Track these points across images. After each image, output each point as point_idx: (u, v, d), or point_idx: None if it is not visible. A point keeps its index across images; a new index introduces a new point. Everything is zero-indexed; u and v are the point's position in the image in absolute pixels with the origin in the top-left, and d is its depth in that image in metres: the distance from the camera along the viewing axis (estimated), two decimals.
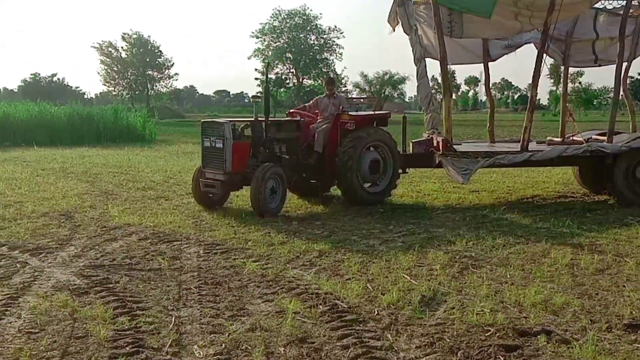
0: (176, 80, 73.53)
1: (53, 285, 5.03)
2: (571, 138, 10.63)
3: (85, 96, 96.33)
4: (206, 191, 8.56)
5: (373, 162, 9.07)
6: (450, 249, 6.22)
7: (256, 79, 64.31)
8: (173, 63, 72.72)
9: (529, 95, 10.68)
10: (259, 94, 9.27)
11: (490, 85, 12.96)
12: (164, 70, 69.77)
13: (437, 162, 9.16)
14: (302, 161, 9.05)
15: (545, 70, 9.96)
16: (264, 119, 8.69)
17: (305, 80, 61.99)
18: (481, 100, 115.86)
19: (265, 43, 63.03)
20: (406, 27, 9.67)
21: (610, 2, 10.32)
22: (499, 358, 3.52)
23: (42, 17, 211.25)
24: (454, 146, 9.23)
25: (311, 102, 9.99)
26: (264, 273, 5.35)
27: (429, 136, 9.69)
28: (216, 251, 6.19)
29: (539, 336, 3.84)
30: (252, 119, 8.78)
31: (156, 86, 70.20)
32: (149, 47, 69.29)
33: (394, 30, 9.96)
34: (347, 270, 5.43)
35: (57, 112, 25.85)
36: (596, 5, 10.11)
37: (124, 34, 69.08)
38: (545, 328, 3.96)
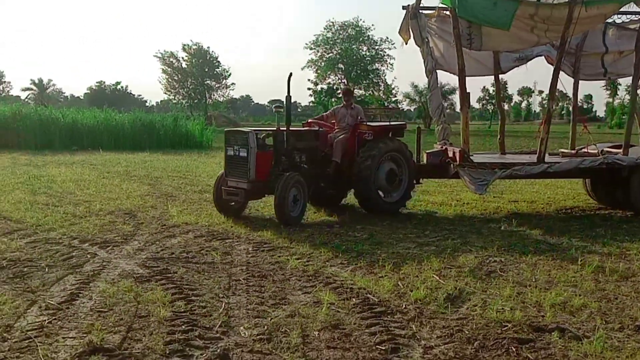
0: (233, 89, 75.53)
1: (119, 273, 5.68)
2: (584, 150, 10.64)
3: (147, 104, 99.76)
4: (228, 199, 8.64)
5: (389, 172, 9.14)
6: (481, 254, 6.56)
7: (309, 89, 65.45)
8: (230, 73, 74.76)
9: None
10: (280, 105, 9.30)
11: (502, 96, 13.09)
12: (221, 80, 71.85)
13: (452, 172, 9.34)
14: (321, 171, 9.11)
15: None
16: (285, 128, 8.81)
17: (356, 90, 62.53)
18: (534, 110, 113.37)
19: (319, 54, 64.15)
20: (418, 40, 9.84)
21: (619, 16, 10.37)
22: (512, 349, 3.89)
23: (108, 28, 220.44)
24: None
25: (328, 112, 10.12)
26: (305, 269, 5.86)
27: (442, 147, 9.83)
28: (263, 249, 6.75)
29: (552, 332, 4.17)
30: (274, 129, 8.95)
31: (214, 95, 72.33)
32: (208, 58, 71.52)
33: (406, 43, 10.13)
34: (381, 269, 5.87)
35: (121, 119, 27.27)
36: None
37: (185, 44, 71.72)
38: (560, 325, 4.29)
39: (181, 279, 5.49)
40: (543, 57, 11.35)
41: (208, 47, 73.93)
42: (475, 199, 10.80)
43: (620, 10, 9.87)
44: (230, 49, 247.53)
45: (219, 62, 72.70)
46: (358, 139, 9.27)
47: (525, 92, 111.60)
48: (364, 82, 63.63)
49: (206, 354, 3.80)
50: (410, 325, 4.34)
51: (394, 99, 61.58)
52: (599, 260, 6.23)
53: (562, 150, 11.62)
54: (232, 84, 76.03)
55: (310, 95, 65.41)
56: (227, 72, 73.34)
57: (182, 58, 71.21)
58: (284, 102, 8.78)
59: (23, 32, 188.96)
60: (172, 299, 4.87)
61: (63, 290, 5.13)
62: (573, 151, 11.01)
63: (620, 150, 9.65)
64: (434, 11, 10.27)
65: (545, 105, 14.07)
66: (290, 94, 8.72)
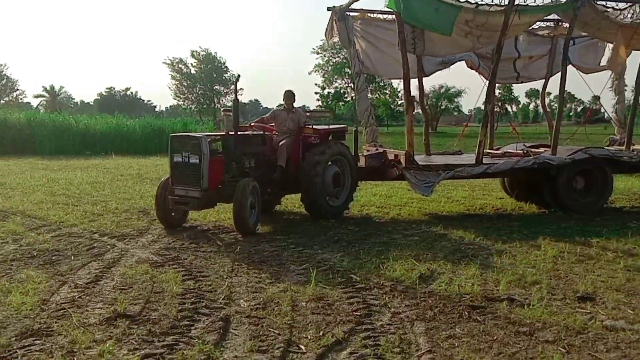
0: (241, 95, 76.53)
1: (136, 260, 6.49)
2: (502, 151, 11.24)
3: (156, 109, 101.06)
4: (177, 209, 8.26)
5: (335, 175, 9.04)
6: (457, 242, 7.35)
7: (316, 93, 66.41)
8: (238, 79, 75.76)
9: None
10: (228, 107, 8.66)
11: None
12: (229, 85, 72.99)
13: (396, 175, 9.51)
14: (267, 176, 8.80)
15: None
16: (233, 133, 8.34)
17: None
18: (541, 112, 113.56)
19: (325, 59, 65.14)
20: (345, 42, 10.01)
21: None
22: (465, 313, 4.66)
23: (118, 35, 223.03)
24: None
25: (268, 114, 9.64)
26: (300, 255, 6.67)
27: (377, 149, 10.08)
28: (264, 240, 7.55)
29: (503, 302, 4.94)
30: (223, 134, 8.60)
31: (222, 100, 73.39)
32: (216, 64, 72.65)
33: (328, 44, 10.54)
34: (366, 255, 6.66)
35: (132, 125, 28.20)
36: None
37: (193, 51, 72.85)
38: (510, 297, 5.06)
39: (190, 264, 6.29)
40: (464, 61, 11.81)
41: (216, 53, 75.05)
42: (465, 196, 11.55)
43: None
44: (239, 53, 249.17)
45: (227, 67, 73.91)
46: (303, 142, 9.12)
47: (533, 94, 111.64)
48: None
49: (211, 318, 4.59)
50: (384, 297, 5.11)
51: (399, 102, 62.19)
52: (561, 247, 6.98)
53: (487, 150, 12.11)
54: (241, 89, 76.99)
55: (318, 99, 66.45)
56: (234, 77, 74.42)
57: (191, 64, 72.53)
58: (232, 105, 8.40)
59: (34, 40, 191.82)
60: (183, 279, 5.67)
61: (88, 273, 5.94)
62: (499, 151, 11.43)
63: (542, 150, 10.27)
64: (359, 13, 10.55)
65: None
66: (238, 97, 8.48)
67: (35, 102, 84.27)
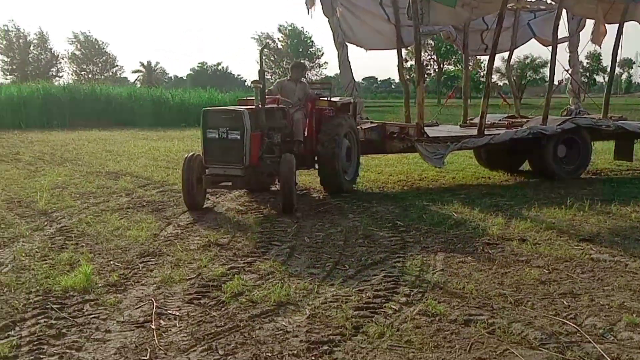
0: (326, 68, 77.97)
1: (225, 209, 8.06)
2: (467, 121, 11.99)
3: (246, 84, 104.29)
4: (216, 188, 8.25)
5: (348, 149, 8.90)
6: (495, 200, 8.49)
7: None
8: (323, 53, 77.36)
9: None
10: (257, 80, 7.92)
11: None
12: (314, 59, 74.49)
13: (395, 148, 9.87)
14: (290, 150, 8.25)
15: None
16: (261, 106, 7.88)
17: (445, 65, 62.97)
18: (637, 82, 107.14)
19: None
20: (327, 10, 9.67)
21: None
22: (480, 247, 5.84)
23: (210, 12, 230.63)
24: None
25: (273, 86, 9.11)
26: (358, 207, 8.06)
27: (370, 122, 10.24)
28: (331, 200, 8.89)
29: (514, 240, 6.07)
30: (253, 107, 7.99)
31: (308, 74, 75.15)
32: (302, 38, 74.48)
33: (308, 13, 10.00)
34: (413, 208, 7.96)
35: (223, 98, 30.31)
36: None
37: (280, 25, 75.03)
38: (522, 238, 6.15)
39: (269, 213, 7.77)
40: (442, 33, 12.13)
41: (302, 27, 76.76)
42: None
43: None
44: (322, 27, 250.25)
45: (312, 41, 75.56)
46: (317, 115, 8.85)
47: (626, 63, 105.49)
48: (454, 57, 64.11)
49: (281, 247, 6.01)
50: (419, 236, 6.35)
51: (483, 73, 61.41)
52: (581, 203, 7.92)
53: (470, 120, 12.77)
54: (325, 62, 78.46)
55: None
56: (320, 51, 76.07)
57: (278, 39, 74.81)
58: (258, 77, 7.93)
59: (134, 18, 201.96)
60: (261, 222, 7.14)
61: (188, 217, 7.51)
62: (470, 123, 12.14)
63: (509, 121, 11.17)
64: None
65: None
66: (264, 68, 8.07)
67: (132, 78, 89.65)
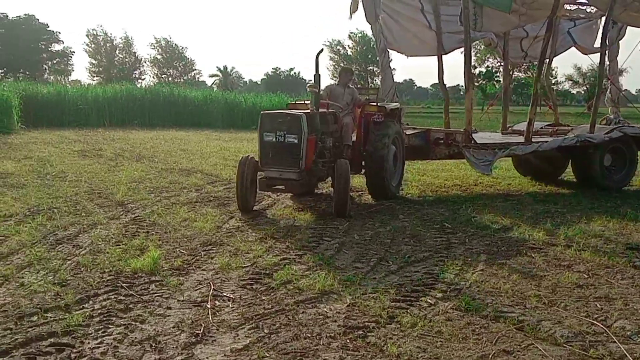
0: (394, 73, 78.04)
1: (284, 206, 8.50)
2: (509, 129, 11.69)
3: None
4: (271, 191, 8.26)
5: (394, 155, 8.85)
6: (545, 207, 8.50)
7: None
8: (392, 59, 77.27)
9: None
10: (314, 84, 8.07)
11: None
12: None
13: (440, 154, 9.91)
14: (341, 155, 8.34)
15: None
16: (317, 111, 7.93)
17: (515, 72, 61.51)
18: None
19: None
20: (370, 17, 9.59)
21: None
22: (524, 251, 6.01)
23: (282, 17, 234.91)
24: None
25: (322, 91, 8.76)
26: (409, 209, 8.32)
27: (416, 127, 10.22)
28: (383, 202, 9.21)
29: (559, 246, 6.20)
30: (309, 111, 7.95)
31: (376, 80, 75.50)
32: (372, 45, 74.71)
33: (350, 18, 10.10)
34: (463, 209, 8.12)
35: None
36: None
37: (351, 32, 75.79)
38: (568, 243, 6.29)
39: (323, 210, 8.17)
40: (484, 40, 11.94)
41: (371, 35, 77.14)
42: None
43: None
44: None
45: None
46: (365, 120, 8.79)
47: None
48: (524, 64, 62.48)
49: (331, 242, 6.39)
50: (465, 238, 6.57)
51: (553, 81, 59.85)
52: (635, 214, 7.90)
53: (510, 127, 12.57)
54: (394, 69, 78.23)
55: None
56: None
57: (348, 46, 75.63)
58: (314, 80, 8.07)
59: (210, 25, 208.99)
60: (315, 220, 7.55)
61: (248, 213, 8.03)
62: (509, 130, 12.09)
63: (554, 129, 11.04)
64: None
65: None
66: (319, 72, 8.04)
67: (209, 81, 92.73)
